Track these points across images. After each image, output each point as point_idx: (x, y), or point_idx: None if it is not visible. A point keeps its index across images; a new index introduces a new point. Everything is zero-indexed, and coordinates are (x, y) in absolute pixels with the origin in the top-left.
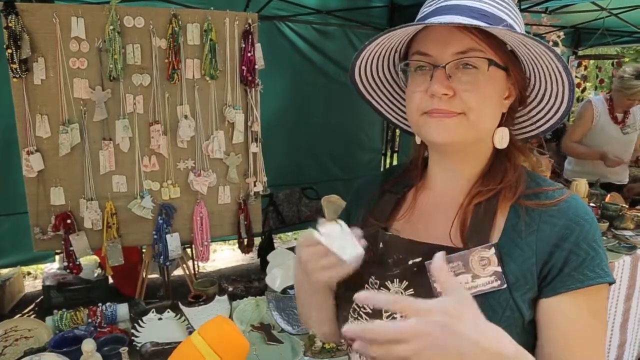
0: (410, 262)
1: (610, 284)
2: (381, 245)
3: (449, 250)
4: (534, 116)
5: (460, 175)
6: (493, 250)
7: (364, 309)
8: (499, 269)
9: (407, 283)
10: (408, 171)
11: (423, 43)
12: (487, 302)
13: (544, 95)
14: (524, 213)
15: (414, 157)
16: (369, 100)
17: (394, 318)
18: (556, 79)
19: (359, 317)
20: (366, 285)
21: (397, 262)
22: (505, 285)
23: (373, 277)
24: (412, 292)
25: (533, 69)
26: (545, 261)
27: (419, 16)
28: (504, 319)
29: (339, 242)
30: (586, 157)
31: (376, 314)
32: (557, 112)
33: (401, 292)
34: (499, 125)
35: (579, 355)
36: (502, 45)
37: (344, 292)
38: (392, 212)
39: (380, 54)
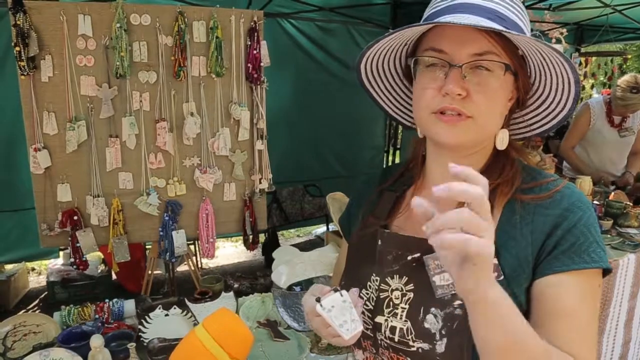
0: (409, 258)
1: (606, 271)
2: (380, 242)
3: None
4: (530, 118)
5: None
6: None
7: (366, 306)
8: (495, 260)
9: (407, 278)
10: (407, 170)
11: (437, 40)
12: None
13: (546, 98)
14: (520, 207)
15: (413, 156)
16: (370, 90)
17: (395, 315)
18: (563, 85)
19: (361, 315)
20: (368, 283)
21: (397, 259)
22: (502, 277)
23: (374, 275)
24: (412, 287)
25: (540, 73)
26: (540, 250)
27: (430, 11)
28: None
29: (340, 316)
30: (578, 170)
31: (377, 310)
32: (558, 114)
33: (401, 288)
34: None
35: (563, 336)
36: (515, 49)
37: (348, 289)
38: (391, 210)
39: (388, 47)
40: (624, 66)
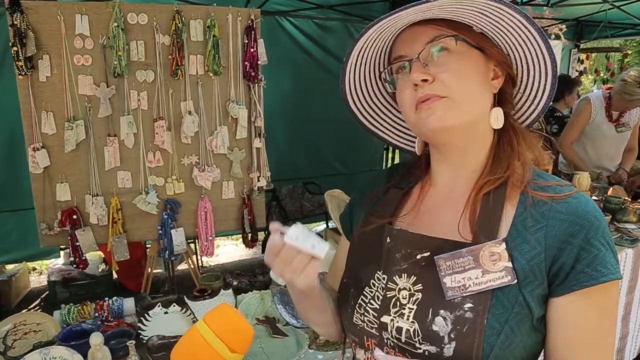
0: (418, 257)
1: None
2: (388, 239)
3: (459, 245)
4: (531, 94)
5: (463, 168)
6: (504, 245)
7: (371, 304)
8: (510, 264)
9: (415, 278)
10: (413, 168)
11: (396, 49)
12: (497, 298)
13: (529, 73)
14: (532, 205)
15: (418, 155)
16: (369, 127)
17: (402, 315)
18: (536, 55)
19: (365, 313)
20: (372, 281)
21: (405, 257)
22: (515, 281)
23: (380, 272)
24: (421, 287)
25: (511, 47)
26: (555, 257)
27: None
28: (513, 314)
29: (308, 241)
30: (576, 167)
31: (383, 310)
32: (545, 90)
33: (409, 288)
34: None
35: (591, 354)
36: (470, 28)
37: (350, 287)
38: (397, 207)
39: (367, 75)
40: (625, 61)
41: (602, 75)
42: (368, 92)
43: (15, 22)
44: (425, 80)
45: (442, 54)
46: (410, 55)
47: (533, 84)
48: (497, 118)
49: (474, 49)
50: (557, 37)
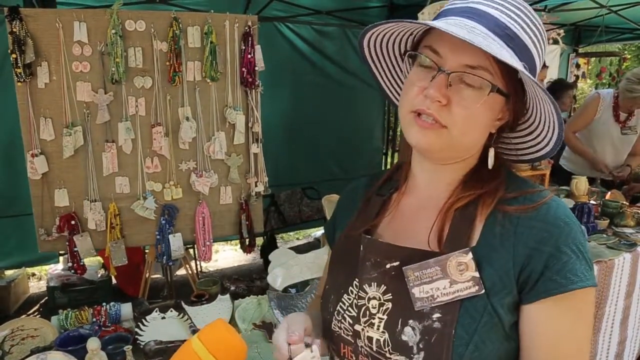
0: (388, 266)
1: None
2: (362, 248)
3: (428, 254)
4: (518, 143)
5: (440, 177)
6: (470, 255)
7: (349, 312)
8: (477, 274)
9: (385, 287)
10: (394, 173)
11: (437, 40)
12: (465, 308)
13: (535, 129)
14: (502, 217)
15: (401, 159)
16: (372, 68)
17: (372, 325)
18: (550, 123)
19: (342, 320)
20: (350, 288)
21: (375, 266)
22: (483, 291)
23: (357, 280)
24: (391, 297)
25: (535, 102)
26: (524, 265)
27: (445, 7)
28: (482, 324)
29: None
30: (580, 154)
31: (357, 318)
32: (543, 148)
33: (379, 297)
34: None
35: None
36: (513, 72)
37: (330, 294)
38: (377, 214)
39: (392, 31)
40: (624, 65)
41: (603, 79)
42: (388, 39)
43: (14, 30)
44: (438, 101)
45: (470, 87)
46: (445, 62)
47: (538, 135)
48: (491, 157)
49: (501, 95)
50: (555, 42)
